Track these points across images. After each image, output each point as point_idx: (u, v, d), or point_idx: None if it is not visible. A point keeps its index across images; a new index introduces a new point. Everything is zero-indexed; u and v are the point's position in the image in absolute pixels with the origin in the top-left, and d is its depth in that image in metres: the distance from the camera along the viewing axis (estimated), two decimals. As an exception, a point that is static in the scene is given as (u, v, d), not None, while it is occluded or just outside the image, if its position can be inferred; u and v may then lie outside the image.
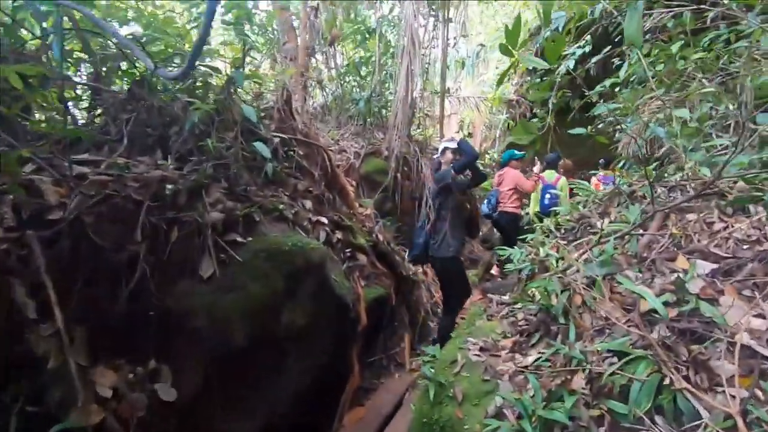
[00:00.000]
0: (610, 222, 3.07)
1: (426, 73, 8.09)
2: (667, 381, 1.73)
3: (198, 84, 2.97)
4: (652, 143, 4.50)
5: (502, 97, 11.61)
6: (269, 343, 2.33)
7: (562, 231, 3.51)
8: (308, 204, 3.34)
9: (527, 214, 6.58)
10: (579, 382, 1.98)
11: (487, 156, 11.62)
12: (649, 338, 1.89)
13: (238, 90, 3.41)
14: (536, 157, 6.15)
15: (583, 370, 1.96)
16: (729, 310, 1.94)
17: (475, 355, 2.54)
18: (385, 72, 7.78)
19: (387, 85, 7.43)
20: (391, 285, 3.87)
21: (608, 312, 2.22)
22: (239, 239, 2.26)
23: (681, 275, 2.27)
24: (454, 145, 3.84)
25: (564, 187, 6.54)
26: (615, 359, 1.98)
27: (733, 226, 2.45)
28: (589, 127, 5.28)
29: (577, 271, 2.78)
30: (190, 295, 2.01)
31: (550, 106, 3.74)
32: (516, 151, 6.21)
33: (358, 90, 6.76)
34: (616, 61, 5.24)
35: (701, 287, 2.09)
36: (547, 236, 3.63)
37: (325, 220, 3.25)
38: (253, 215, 2.43)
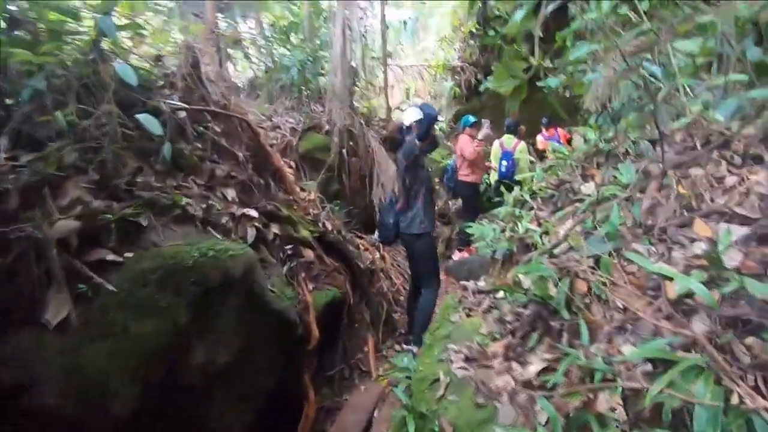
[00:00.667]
0: (599, 186, 2.62)
1: (364, 38, 7.33)
2: (734, 398, 1.27)
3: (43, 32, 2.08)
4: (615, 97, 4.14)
5: (446, 63, 11.08)
6: (180, 395, 1.65)
7: (539, 200, 3.03)
8: (230, 194, 2.61)
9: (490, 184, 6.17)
10: (607, 402, 1.49)
11: (436, 126, 11.14)
12: (697, 337, 1.41)
13: (126, 52, 2.55)
14: (482, 121, 5.64)
15: (614, 388, 1.47)
16: (784, 288, 1.51)
17: (461, 368, 1.99)
18: (318, 40, 6.94)
19: (322, 53, 6.61)
20: (347, 281, 3.25)
21: (626, 301, 1.74)
22: (111, 257, 1.52)
23: (705, 245, 1.83)
24: (419, 114, 3.40)
25: (523, 152, 6.19)
26: (649, 366, 1.51)
27: (748, 179, 2.04)
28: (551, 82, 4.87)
29: (571, 248, 2.30)
30: (31, 356, 1.26)
31: (536, 38, 3.16)
32: (471, 117, 5.71)
33: (290, 58, 5.91)
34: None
35: (740, 260, 1.66)
36: (521, 207, 3.15)
37: (254, 212, 2.54)
38: (138, 218, 1.68)
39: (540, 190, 3.07)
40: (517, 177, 6.17)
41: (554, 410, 1.55)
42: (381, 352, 3.56)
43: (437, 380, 1.97)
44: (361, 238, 5.42)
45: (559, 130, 8.84)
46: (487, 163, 6.11)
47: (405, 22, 10.09)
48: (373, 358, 3.30)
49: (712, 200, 2.06)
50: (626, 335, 1.65)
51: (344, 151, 5.22)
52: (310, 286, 2.76)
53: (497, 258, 3.02)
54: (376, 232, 3.37)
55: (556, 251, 2.33)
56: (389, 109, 7.04)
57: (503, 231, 3.09)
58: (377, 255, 4.68)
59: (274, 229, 2.72)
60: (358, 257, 3.46)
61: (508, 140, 6.33)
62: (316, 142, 5.06)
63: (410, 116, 3.43)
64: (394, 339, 3.98)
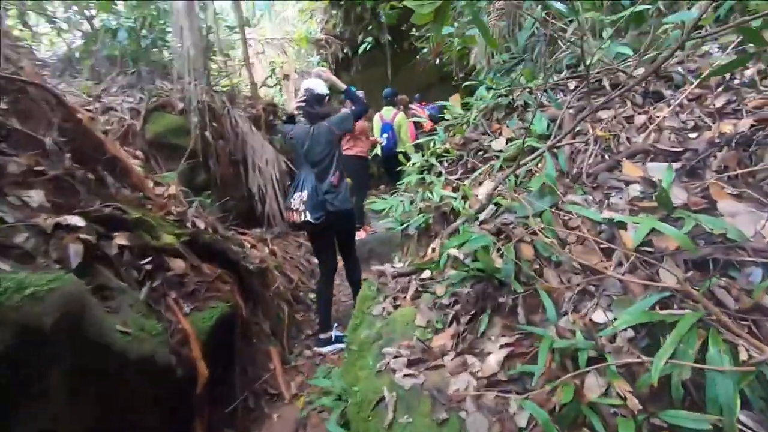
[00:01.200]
0: (509, 140, 2.42)
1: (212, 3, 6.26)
2: (743, 354, 1.09)
3: None
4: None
5: (308, 36, 10.36)
6: None
7: (446, 164, 2.75)
8: (36, 197, 1.74)
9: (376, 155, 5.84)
10: (598, 388, 1.23)
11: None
12: (684, 288, 1.22)
13: None
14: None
15: (607, 369, 1.21)
16: (736, 219, 1.42)
17: (406, 375, 1.59)
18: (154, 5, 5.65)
19: (161, 20, 5.39)
20: (235, 289, 2.58)
21: (584, 259, 1.52)
22: None
23: (641, 187, 1.70)
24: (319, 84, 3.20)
25: (402, 123, 6.00)
26: (631, 333, 1.29)
27: (657, 116, 2.00)
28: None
29: (497, 210, 2.04)
30: None
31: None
32: (352, 88, 5.25)
33: (116, 22, 4.63)
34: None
35: (685, 197, 1.54)
36: (428, 173, 2.85)
37: (78, 220, 1.72)
38: None
39: (446, 153, 2.79)
40: (399, 149, 6.03)
41: (537, 408, 1.25)
42: (290, 363, 3.00)
43: (381, 400, 1.54)
44: (243, 233, 4.66)
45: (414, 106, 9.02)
46: (372, 138, 5.78)
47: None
48: (282, 375, 2.72)
49: (629, 140, 1.98)
50: (594, 300, 1.42)
51: (207, 134, 4.32)
52: (187, 308, 2.05)
53: (410, 233, 2.68)
54: (308, 214, 2.91)
55: (482, 216, 2.07)
56: (254, 85, 6.18)
57: (412, 202, 2.76)
58: (266, 251, 4.02)
59: (119, 239, 1.92)
60: (244, 257, 2.79)
61: (387, 112, 6.09)
62: (168, 124, 4.06)
63: (319, 86, 3.19)
64: (302, 344, 3.44)
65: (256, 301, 2.88)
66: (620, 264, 1.45)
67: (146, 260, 2.01)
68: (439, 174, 2.72)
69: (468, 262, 1.82)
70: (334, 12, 9.89)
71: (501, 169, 2.31)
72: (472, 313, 1.70)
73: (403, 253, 2.75)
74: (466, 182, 2.44)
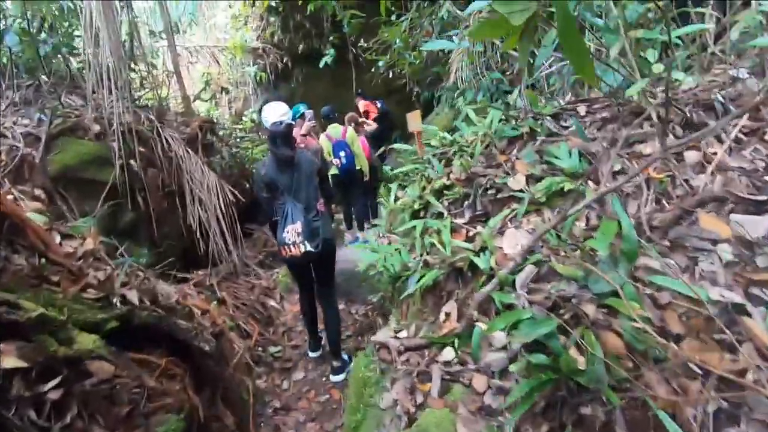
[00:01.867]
0: (529, 177, 2.03)
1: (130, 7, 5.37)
2: None
3: None
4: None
5: (243, 45, 9.55)
6: None
7: (446, 203, 2.31)
8: None
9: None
10: None
11: (244, 118, 9.58)
12: None
13: None
14: (303, 112, 4.69)
15: None
16: None
17: None
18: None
19: (65, 21, 4.44)
20: (186, 384, 1.92)
21: (699, 357, 1.14)
22: None
23: (731, 247, 1.37)
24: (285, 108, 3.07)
25: (354, 139, 5.52)
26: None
27: (714, 153, 1.72)
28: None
29: (542, 273, 1.63)
30: None
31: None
32: (302, 106, 4.70)
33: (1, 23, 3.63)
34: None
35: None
36: (424, 212, 2.39)
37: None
38: None
39: (445, 189, 2.35)
40: (358, 167, 5.57)
41: None
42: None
43: None
44: (184, 279, 3.88)
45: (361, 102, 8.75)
46: (330, 159, 5.23)
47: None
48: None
49: (688, 183, 1.67)
50: (739, 428, 1.04)
51: (134, 162, 3.52)
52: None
53: (412, 292, 2.19)
54: (307, 245, 2.84)
55: (519, 281, 1.65)
56: (187, 99, 5.36)
57: (411, 252, 2.28)
58: (213, 304, 3.31)
59: (5, 358, 1.23)
60: (196, 335, 2.13)
61: (334, 130, 5.56)
62: (81, 153, 3.19)
63: (287, 112, 3.08)
64: (270, 423, 2.80)
65: (214, 388, 2.22)
66: (759, 368, 1.08)
67: (52, 384, 1.32)
68: (440, 215, 2.27)
69: (526, 353, 1.38)
70: (272, 19, 9.19)
71: (527, 214, 1.91)
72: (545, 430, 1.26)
73: (401, 314, 2.25)
74: (482, 230, 2.01)
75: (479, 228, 2.05)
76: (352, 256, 5.39)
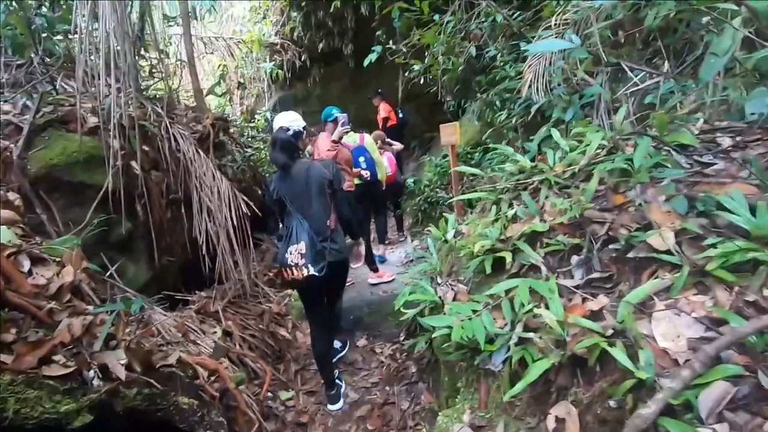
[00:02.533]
0: (680, 234, 1.46)
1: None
2: None
3: None
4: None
5: (261, 39, 9.02)
6: None
7: (548, 257, 1.75)
8: None
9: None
10: None
11: (257, 116, 9.03)
12: None
13: None
14: (336, 116, 4.15)
15: None
16: None
17: None
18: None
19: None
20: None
21: None
22: None
23: None
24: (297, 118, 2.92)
25: (373, 146, 4.98)
26: None
27: None
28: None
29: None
30: None
31: None
32: (335, 109, 4.18)
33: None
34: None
35: None
36: (502, 260, 1.83)
37: None
38: None
39: (542, 234, 1.79)
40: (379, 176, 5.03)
41: None
42: None
43: None
44: (186, 302, 3.32)
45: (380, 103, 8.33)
46: (356, 169, 4.67)
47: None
48: None
49: None
50: None
51: (135, 163, 2.95)
52: None
53: (494, 367, 1.62)
54: (310, 268, 2.55)
55: (701, 401, 1.08)
56: (200, 93, 4.80)
57: (493, 309, 1.71)
58: (220, 346, 2.74)
59: None
60: (201, 414, 1.55)
61: (351, 137, 5.02)
62: (71, 150, 2.61)
63: (298, 120, 2.90)
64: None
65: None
66: None
67: None
68: (534, 269, 1.71)
69: None
70: (293, 14, 8.66)
71: (685, 289, 1.34)
72: None
73: (480, 401, 1.68)
74: (606, 300, 1.45)
75: (602, 298, 1.48)
76: (374, 284, 4.87)
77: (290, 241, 2.60)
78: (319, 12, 8.77)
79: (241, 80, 10.32)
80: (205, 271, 3.50)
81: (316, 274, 2.51)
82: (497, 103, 4.79)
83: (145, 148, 3.21)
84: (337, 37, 9.09)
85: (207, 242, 3.51)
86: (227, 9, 9.85)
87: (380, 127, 8.30)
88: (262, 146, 7.62)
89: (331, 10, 8.61)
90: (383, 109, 8.42)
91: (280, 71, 9.08)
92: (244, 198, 3.67)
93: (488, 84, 5.24)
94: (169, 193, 3.29)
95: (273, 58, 9.36)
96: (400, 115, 8.49)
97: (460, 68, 5.43)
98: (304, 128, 2.90)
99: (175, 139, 3.68)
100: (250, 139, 7.93)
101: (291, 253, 2.57)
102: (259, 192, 5.32)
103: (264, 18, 9.16)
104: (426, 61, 5.70)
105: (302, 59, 9.30)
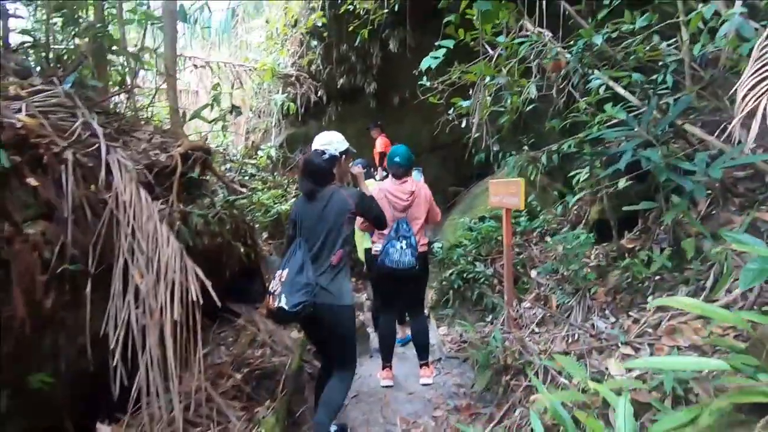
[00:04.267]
0: None
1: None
2: None
3: None
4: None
5: (275, 68, 8.06)
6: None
7: None
8: None
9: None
10: None
11: (260, 152, 7.87)
12: None
13: None
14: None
15: None
16: None
17: None
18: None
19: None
20: None
21: None
22: None
23: None
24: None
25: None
26: None
27: None
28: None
29: None
30: None
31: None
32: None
33: None
34: None
35: None
36: None
37: None
38: None
39: None
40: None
41: None
42: None
43: None
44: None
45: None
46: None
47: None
48: None
49: None
50: None
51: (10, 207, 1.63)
52: None
53: None
54: (282, 298, 2.21)
55: None
56: (176, 112, 3.60)
57: None
58: None
59: None
60: None
61: (371, 185, 3.80)
62: None
63: (336, 141, 2.67)
64: None
65: None
66: None
67: None
68: None
69: None
70: (313, 44, 7.73)
71: None
72: None
73: None
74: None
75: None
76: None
77: (281, 266, 2.41)
78: (342, 45, 7.85)
79: (252, 112, 9.32)
80: (113, 391, 2.05)
81: (285, 307, 2.21)
82: (587, 155, 3.47)
83: (32, 182, 1.88)
84: (359, 74, 8.13)
85: (128, 344, 2.09)
86: (243, 35, 9.04)
87: (376, 164, 7.16)
88: (260, 187, 6.39)
89: (356, 43, 7.69)
90: (381, 143, 7.23)
91: (292, 104, 8.04)
92: (198, 273, 2.28)
93: (561, 131, 3.99)
94: (63, 263, 1.92)
95: (286, 90, 8.37)
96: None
97: (518, 110, 4.21)
98: (344, 151, 2.63)
99: (110, 171, 2.37)
100: (248, 178, 6.72)
101: (275, 278, 2.39)
102: (242, 249, 3.95)
103: (281, 47, 8.25)
104: (471, 101, 4.51)
105: (318, 95, 8.29)
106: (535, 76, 4.08)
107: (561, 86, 3.71)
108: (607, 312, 3.09)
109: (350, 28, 6.83)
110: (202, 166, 3.78)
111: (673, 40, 3.13)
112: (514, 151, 6.47)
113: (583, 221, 4.75)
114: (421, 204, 3.44)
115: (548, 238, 5.00)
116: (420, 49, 7.34)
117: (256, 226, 4.85)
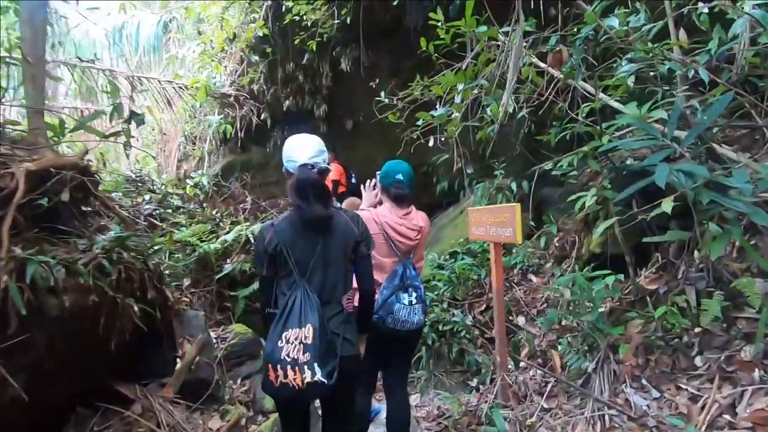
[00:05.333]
0: None
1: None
2: None
3: None
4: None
5: (210, 87, 7.06)
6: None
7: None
8: None
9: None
10: None
11: (188, 181, 6.70)
12: None
13: None
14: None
15: None
16: None
17: None
18: None
19: None
20: None
21: None
22: None
23: None
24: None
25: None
26: None
27: None
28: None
29: None
30: None
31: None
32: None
33: None
34: None
35: None
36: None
37: None
38: None
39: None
40: None
41: None
42: None
43: None
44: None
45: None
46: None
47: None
48: None
49: None
50: None
51: None
52: None
53: None
54: (316, 370, 1.69)
55: None
56: (39, 116, 2.53)
57: None
58: None
59: None
60: None
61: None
62: None
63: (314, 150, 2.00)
64: None
65: None
66: None
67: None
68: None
69: None
70: (254, 59, 6.85)
71: None
72: None
73: None
74: None
75: None
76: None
77: (287, 322, 1.71)
78: (288, 63, 7.03)
79: (185, 138, 8.17)
80: None
81: (325, 381, 1.65)
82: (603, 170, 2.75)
83: None
84: (308, 95, 7.31)
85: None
86: (172, 49, 7.99)
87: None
88: (183, 221, 5.23)
89: (304, 61, 6.91)
90: (335, 171, 6.33)
91: (229, 127, 7.01)
92: None
93: (552, 147, 3.26)
94: None
95: (224, 111, 7.36)
96: (353, 181, 6.29)
97: (498, 122, 3.49)
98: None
99: None
100: (171, 212, 5.53)
101: (287, 342, 1.69)
102: (135, 308, 2.80)
103: (218, 63, 7.29)
104: (442, 110, 3.75)
105: (261, 117, 7.33)
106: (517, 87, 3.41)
107: (550, 93, 3.04)
108: (643, 381, 2.28)
109: (296, 41, 6.04)
110: (79, 192, 2.68)
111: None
112: (481, 177, 5.84)
113: (572, 256, 4.06)
114: (424, 243, 2.59)
115: (532, 276, 4.26)
116: (375, 68, 6.70)
117: (167, 272, 3.70)
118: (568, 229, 4.33)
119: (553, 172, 3.34)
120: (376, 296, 2.37)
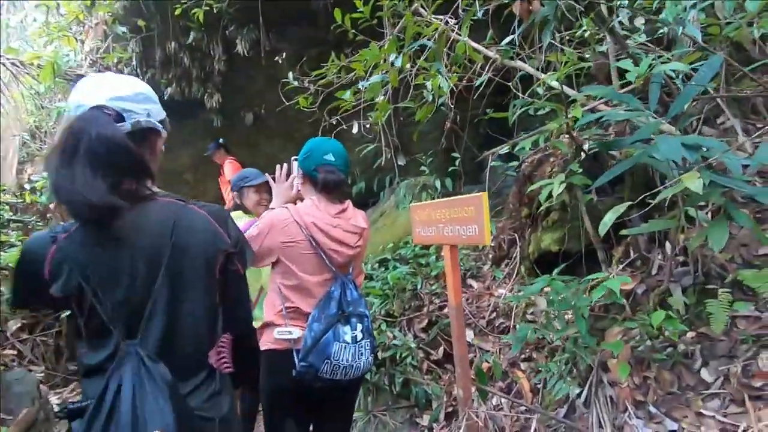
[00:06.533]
0: None
1: None
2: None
3: None
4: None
5: (59, 65, 5.47)
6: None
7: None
8: None
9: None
10: None
11: (26, 186, 5.04)
12: None
13: None
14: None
15: None
16: None
17: None
18: None
19: None
20: None
21: None
22: None
23: None
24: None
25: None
26: None
27: None
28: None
29: None
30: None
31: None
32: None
33: None
34: None
35: None
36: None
37: None
38: None
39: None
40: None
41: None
42: None
43: None
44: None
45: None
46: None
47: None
48: None
49: None
50: None
51: None
52: None
53: None
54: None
55: None
56: None
57: None
58: None
59: None
60: None
61: (240, 219, 2.09)
62: None
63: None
64: None
65: None
66: None
67: None
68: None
69: None
70: (121, 31, 5.46)
71: None
72: None
73: None
74: None
75: None
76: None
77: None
78: (168, 42, 5.79)
79: (27, 134, 6.31)
80: None
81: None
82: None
83: None
84: (196, 81, 6.12)
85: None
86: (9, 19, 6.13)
87: (224, 198, 5.41)
88: (15, 240, 3.79)
89: (190, 40, 5.76)
90: (230, 169, 5.40)
91: (88, 117, 5.49)
92: None
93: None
94: None
95: (80, 98, 5.77)
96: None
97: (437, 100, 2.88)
98: (162, 121, 1.17)
99: None
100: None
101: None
102: None
103: (71, 38, 5.69)
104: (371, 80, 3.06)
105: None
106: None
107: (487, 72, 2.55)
108: (650, 408, 1.82)
109: (177, 11, 4.89)
110: None
111: None
112: (403, 175, 5.31)
113: (514, 256, 3.66)
114: (365, 252, 1.88)
115: (472, 281, 3.78)
116: (277, 52, 5.81)
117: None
118: (501, 227, 3.96)
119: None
120: (301, 333, 1.62)
